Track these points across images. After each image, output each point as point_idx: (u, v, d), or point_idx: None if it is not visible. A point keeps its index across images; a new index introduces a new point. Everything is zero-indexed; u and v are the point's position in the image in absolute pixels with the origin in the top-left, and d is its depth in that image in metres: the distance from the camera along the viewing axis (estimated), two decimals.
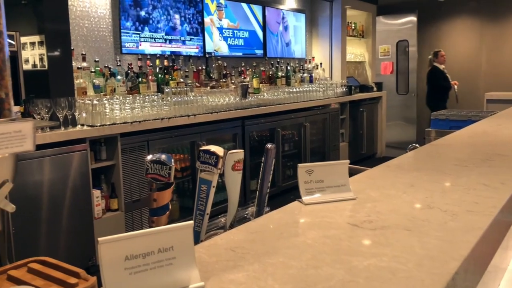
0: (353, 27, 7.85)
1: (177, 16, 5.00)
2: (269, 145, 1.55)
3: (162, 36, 4.87)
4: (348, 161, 1.44)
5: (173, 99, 4.23)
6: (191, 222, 0.88)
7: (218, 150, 1.33)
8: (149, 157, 1.23)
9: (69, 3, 3.84)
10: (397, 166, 1.90)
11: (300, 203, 1.36)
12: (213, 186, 1.35)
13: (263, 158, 1.57)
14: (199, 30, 5.28)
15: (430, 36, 8.94)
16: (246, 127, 5.12)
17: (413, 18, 8.40)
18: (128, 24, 4.50)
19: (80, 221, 3.48)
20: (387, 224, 1.16)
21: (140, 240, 0.82)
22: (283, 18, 6.65)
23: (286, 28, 6.73)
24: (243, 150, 1.49)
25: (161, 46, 4.85)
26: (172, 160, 1.23)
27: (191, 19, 5.19)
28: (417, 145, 3.15)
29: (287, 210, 1.31)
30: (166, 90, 4.36)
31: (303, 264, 0.94)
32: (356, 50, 8.11)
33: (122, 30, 4.45)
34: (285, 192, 5.45)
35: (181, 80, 4.76)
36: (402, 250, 0.99)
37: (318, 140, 6.42)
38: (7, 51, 0.73)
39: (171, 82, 4.62)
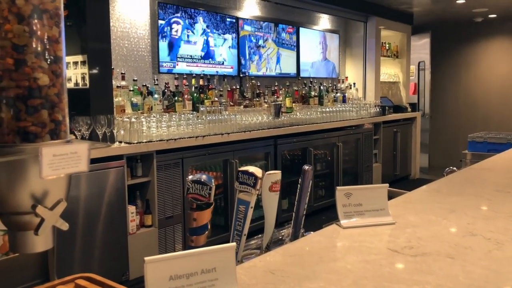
0: (387, 47, 7.80)
1: (213, 37, 5.11)
2: (306, 167, 1.55)
3: (199, 56, 4.97)
4: (387, 185, 1.43)
5: (208, 118, 4.29)
6: (234, 244, 0.89)
7: (256, 171, 1.35)
8: (190, 177, 1.25)
9: (111, 24, 3.98)
10: (436, 190, 1.86)
11: (338, 226, 1.35)
12: (251, 207, 1.36)
13: (300, 180, 1.57)
14: (234, 52, 5.37)
15: (455, 57, 8.78)
16: (279, 146, 5.13)
17: (427, 39, 8.27)
18: (166, 44, 4.63)
19: (114, 236, 3.54)
20: (428, 250, 1.14)
21: (184, 260, 0.84)
22: (317, 38, 6.68)
23: (319, 49, 6.76)
24: (280, 171, 1.49)
25: (197, 66, 4.95)
26: (213, 180, 1.25)
27: (227, 41, 5.28)
28: (455, 168, 3.08)
29: (325, 234, 1.31)
30: (201, 108, 4.43)
31: None
32: (390, 70, 8.04)
33: (159, 50, 4.57)
34: (317, 213, 5.40)
35: (216, 99, 4.83)
36: (446, 279, 0.97)
37: (350, 161, 6.36)
38: (65, 76, 0.77)
39: (206, 101, 4.69)
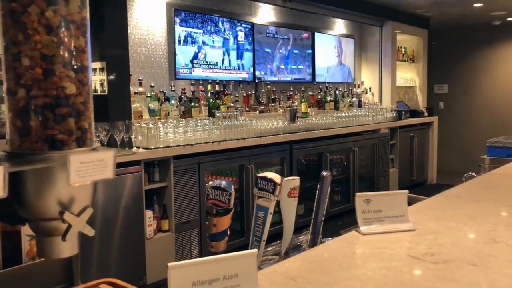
0: (403, 52, 7.75)
1: (228, 43, 5.13)
2: (324, 173, 1.55)
3: (214, 62, 5.00)
4: (407, 191, 1.42)
5: (224, 123, 4.31)
6: (255, 250, 0.89)
7: (275, 177, 1.35)
8: (210, 183, 1.26)
9: (129, 31, 4.04)
10: (455, 196, 1.84)
11: (357, 233, 1.35)
12: (270, 213, 1.36)
13: (318, 186, 1.57)
14: (249, 57, 5.39)
15: (472, 61, 8.67)
16: (294, 151, 5.12)
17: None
18: (182, 50, 4.67)
19: (132, 241, 3.57)
20: (450, 257, 1.13)
21: (207, 266, 0.84)
22: (332, 43, 6.67)
23: (335, 53, 6.75)
24: (298, 178, 1.49)
25: (212, 72, 4.98)
26: (232, 186, 1.25)
27: (242, 47, 5.31)
28: (474, 173, 3.05)
29: (345, 240, 1.30)
30: (217, 114, 4.45)
31: None
32: (406, 75, 7.98)
33: (176, 57, 4.61)
34: (333, 218, 5.37)
35: (231, 104, 4.85)
36: (470, 286, 0.96)
37: (367, 166, 6.32)
38: (91, 84, 0.79)
39: (221, 106, 4.71)
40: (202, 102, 4.64)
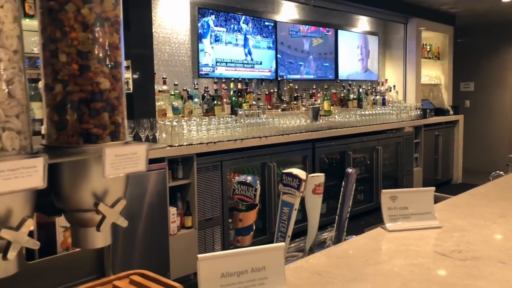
0: (428, 49, 7.64)
1: (251, 41, 5.15)
2: (350, 170, 1.55)
3: (237, 60, 5.02)
4: (433, 188, 1.41)
5: (246, 121, 4.33)
6: (283, 244, 0.90)
7: (300, 173, 1.35)
8: (236, 178, 1.28)
9: (153, 30, 4.09)
10: (483, 194, 1.82)
11: (383, 230, 1.34)
12: (295, 209, 1.36)
13: (343, 183, 1.56)
14: (272, 55, 5.39)
15: (499, 58, 8.48)
16: (317, 149, 5.10)
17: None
18: (205, 49, 4.70)
19: (156, 237, 3.62)
20: (478, 255, 1.12)
21: (235, 258, 0.86)
22: (355, 40, 6.62)
23: (358, 51, 6.69)
24: (323, 174, 1.50)
25: (235, 70, 5.00)
26: (258, 182, 1.26)
27: (265, 45, 5.31)
28: (502, 172, 2.99)
29: (370, 236, 1.30)
30: (240, 112, 4.47)
31: None
32: (431, 72, 7.86)
33: (199, 55, 4.65)
34: (356, 217, 5.33)
35: (254, 102, 4.87)
36: (498, 284, 0.95)
37: (390, 164, 6.25)
38: (124, 80, 0.81)
39: (244, 104, 4.73)
40: (224, 100, 4.67)
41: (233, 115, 4.54)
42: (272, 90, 5.26)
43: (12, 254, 0.64)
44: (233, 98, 4.77)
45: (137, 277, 0.94)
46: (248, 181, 1.26)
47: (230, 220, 1.34)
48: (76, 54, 0.74)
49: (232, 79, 4.89)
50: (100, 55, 0.76)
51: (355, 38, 6.65)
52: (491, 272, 1.02)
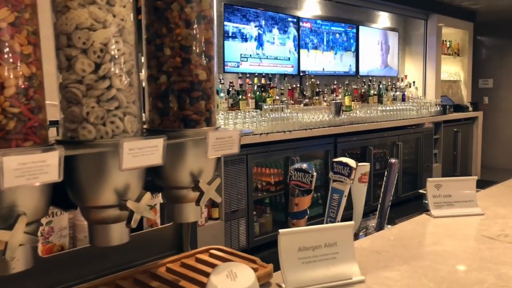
0: (448, 45, 7.64)
1: (274, 37, 5.23)
2: (392, 160, 1.63)
3: (261, 56, 5.10)
4: (476, 177, 1.48)
5: (271, 116, 4.41)
6: (352, 222, 0.99)
7: (350, 162, 1.44)
8: (295, 165, 1.36)
9: None
10: None
11: (428, 216, 1.42)
12: (345, 196, 1.45)
13: (385, 172, 1.64)
14: (294, 51, 5.47)
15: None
16: (338, 144, 5.16)
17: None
18: (230, 44, 4.79)
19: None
20: None
21: (311, 234, 0.94)
22: (376, 37, 6.66)
23: (378, 47, 6.73)
24: (369, 164, 1.58)
25: (259, 66, 5.08)
26: (313, 168, 1.35)
27: (287, 41, 5.39)
28: None
29: (417, 222, 1.38)
30: (265, 107, 4.55)
31: (451, 269, 1.01)
32: (451, 69, 7.86)
33: (225, 51, 4.74)
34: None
35: (277, 97, 4.95)
36: None
37: (410, 160, 6.29)
38: (215, 72, 0.90)
39: (268, 99, 4.81)
40: (249, 95, 4.76)
41: (258, 110, 4.62)
42: (294, 85, 5.33)
43: (134, 223, 0.74)
44: (257, 93, 4.85)
45: (216, 252, 1.04)
46: (304, 168, 1.34)
47: (290, 203, 1.41)
48: (179, 48, 0.83)
49: (256, 74, 4.98)
50: (199, 49, 0.84)
51: (376, 34, 6.69)
52: None
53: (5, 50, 0.62)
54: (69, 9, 0.70)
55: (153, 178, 0.87)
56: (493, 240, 1.19)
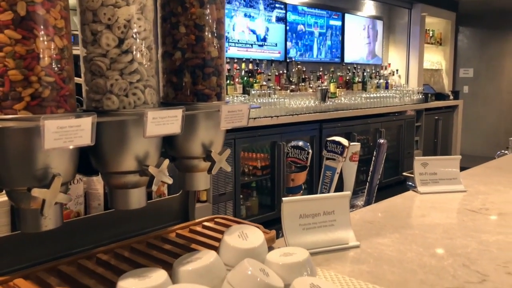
0: (431, 35, 7.77)
1: (261, 23, 5.26)
2: (381, 140, 1.72)
3: (248, 42, 5.14)
4: (460, 156, 1.58)
5: (258, 101, 4.47)
6: (349, 192, 1.07)
7: (343, 140, 1.52)
8: (290, 143, 1.43)
9: None
10: (496, 167, 1.99)
11: (415, 192, 1.51)
12: (337, 173, 1.53)
13: (374, 152, 1.73)
14: (282, 37, 5.51)
15: (500, 45, 8.63)
16: (324, 130, 5.26)
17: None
18: None
19: None
20: (504, 211, 1.29)
21: (311, 203, 1.02)
22: (361, 25, 6.74)
23: (364, 34, 6.82)
24: (359, 144, 1.66)
25: (246, 51, 5.12)
26: (309, 146, 1.42)
27: (275, 27, 5.43)
28: (507, 152, 3.17)
29: (405, 197, 1.47)
30: (252, 92, 4.61)
31: (438, 236, 1.10)
32: (433, 58, 8.01)
33: None
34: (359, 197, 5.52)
35: (264, 83, 5.01)
36: None
37: (392, 147, 6.43)
38: (225, 50, 0.95)
39: (255, 85, 4.87)
40: (236, 80, 4.80)
41: (245, 95, 4.68)
42: (281, 72, 5.39)
43: (155, 187, 0.80)
44: (245, 78, 4.90)
45: (221, 220, 1.11)
46: (300, 145, 1.42)
47: (286, 179, 1.49)
48: (193, 27, 0.88)
49: (244, 59, 5.02)
50: (211, 28, 0.90)
51: (361, 22, 6.77)
52: None
53: (41, 24, 0.67)
54: None
55: (167, 149, 0.93)
56: (475, 213, 1.28)
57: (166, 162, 0.81)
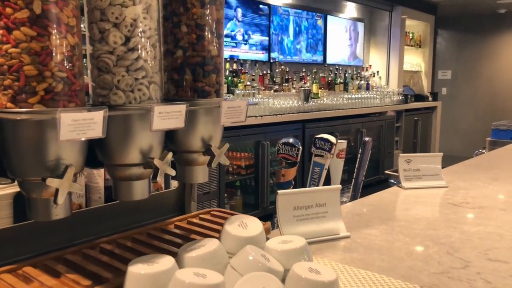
0: (410, 37, 7.94)
1: (246, 23, 5.31)
2: (366, 138, 1.78)
3: (232, 42, 5.18)
4: (441, 154, 1.65)
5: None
6: (339, 185, 1.12)
7: (331, 138, 1.57)
8: (281, 140, 1.48)
9: None
10: (475, 165, 2.08)
11: (399, 188, 1.58)
12: (325, 169, 1.58)
13: (360, 149, 1.79)
14: (265, 38, 5.57)
15: (477, 48, 8.86)
16: (306, 130, 5.33)
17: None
18: None
19: None
20: (483, 205, 1.36)
21: (304, 195, 1.07)
22: (343, 26, 6.85)
23: (347, 35, 6.92)
24: (346, 141, 1.72)
25: (231, 51, 5.16)
26: (299, 143, 1.47)
27: (259, 27, 5.48)
28: (484, 151, 3.29)
29: (390, 192, 1.53)
30: (237, 92, 4.65)
31: (423, 227, 1.16)
32: (413, 60, 8.18)
33: None
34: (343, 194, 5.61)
35: (248, 83, 5.05)
36: (503, 222, 1.19)
37: (373, 146, 6.50)
38: (223, 49, 1.00)
39: (239, 84, 4.91)
40: None
41: (230, 94, 4.71)
42: (265, 72, 5.44)
43: (159, 178, 0.84)
44: (229, 78, 4.94)
45: (217, 212, 1.15)
46: (291, 142, 1.47)
47: (276, 174, 1.54)
48: (195, 26, 0.92)
49: (228, 59, 5.05)
50: (211, 27, 0.94)
51: (343, 23, 6.87)
52: (495, 216, 1.26)
53: (55, 22, 0.71)
54: None
55: (167, 143, 0.97)
56: (457, 206, 1.35)
57: (170, 155, 0.85)
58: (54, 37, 0.70)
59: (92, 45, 0.82)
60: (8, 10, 0.68)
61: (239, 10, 5.23)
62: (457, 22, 8.92)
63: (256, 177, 4.86)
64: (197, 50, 0.93)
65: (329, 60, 6.63)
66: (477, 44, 8.90)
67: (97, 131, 0.71)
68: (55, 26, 0.71)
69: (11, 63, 0.69)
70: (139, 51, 0.82)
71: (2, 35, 0.68)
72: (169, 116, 0.81)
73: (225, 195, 4.53)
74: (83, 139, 0.71)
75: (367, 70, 7.29)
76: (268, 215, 4.59)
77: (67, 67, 0.73)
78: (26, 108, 0.70)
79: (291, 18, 5.98)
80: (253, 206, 4.82)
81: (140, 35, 0.82)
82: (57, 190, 0.71)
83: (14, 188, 0.99)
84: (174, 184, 2.29)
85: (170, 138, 0.96)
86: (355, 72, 6.96)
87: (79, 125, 0.69)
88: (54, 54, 0.71)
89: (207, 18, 0.93)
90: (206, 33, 0.94)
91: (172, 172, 0.86)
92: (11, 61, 0.69)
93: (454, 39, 9.09)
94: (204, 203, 4.26)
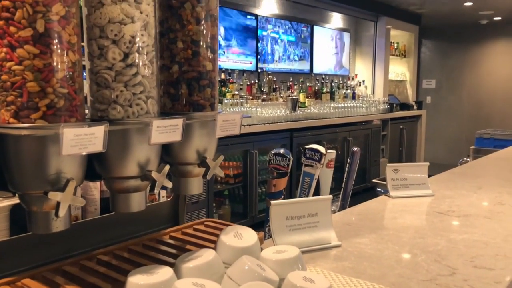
0: (395, 47, 8.07)
1: (233, 33, 5.35)
2: (355, 148, 1.82)
3: (220, 51, 5.22)
4: (428, 163, 1.69)
5: (231, 110, 4.55)
6: (330, 196, 1.15)
7: (321, 148, 1.61)
8: (272, 151, 1.51)
9: None
10: (460, 173, 2.13)
11: (387, 197, 1.61)
12: (315, 179, 1.62)
13: (348, 159, 1.83)
14: (253, 48, 5.62)
15: (460, 58, 9.04)
16: (294, 138, 5.38)
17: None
18: None
19: None
20: (468, 213, 1.41)
21: (296, 206, 1.10)
22: (329, 36, 6.94)
23: (332, 44, 7.01)
24: (334, 151, 1.76)
25: (219, 61, 5.19)
26: (290, 153, 1.50)
27: (246, 37, 5.53)
28: (468, 159, 3.36)
29: (378, 201, 1.57)
30: (225, 101, 4.68)
31: (410, 236, 1.19)
32: (398, 69, 8.31)
33: None
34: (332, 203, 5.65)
35: (236, 92, 5.09)
36: (488, 230, 1.24)
37: (359, 155, 6.61)
38: (218, 64, 1.03)
39: (227, 94, 4.94)
40: None
41: (219, 104, 4.73)
42: (252, 81, 5.49)
43: (156, 190, 0.86)
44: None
45: (210, 223, 1.17)
46: (282, 152, 1.50)
47: (267, 184, 1.57)
48: (190, 42, 0.95)
49: None
50: (206, 43, 0.97)
51: (329, 34, 6.97)
52: (480, 224, 1.30)
53: (57, 40, 0.73)
54: (103, 5, 0.81)
55: (163, 156, 0.99)
56: (443, 214, 1.39)
57: (167, 167, 0.87)
58: (56, 54, 0.73)
59: (91, 61, 0.84)
60: (12, 28, 0.70)
61: (226, 21, 5.27)
62: (441, 33, 9.10)
63: (245, 186, 4.88)
64: (192, 65, 0.96)
65: (316, 70, 6.71)
66: (460, 54, 9.09)
67: (98, 146, 0.73)
68: (57, 43, 0.73)
69: (14, 80, 0.71)
70: (137, 67, 0.84)
71: (6, 53, 0.70)
72: (166, 130, 0.83)
73: (214, 204, 4.54)
74: (84, 153, 0.73)
75: (353, 79, 7.39)
76: (256, 224, 4.61)
77: (69, 83, 0.75)
78: (28, 124, 0.71)
79: (278, 28, 6.05)
80: (241, 215, 4.83)
81: (138, 52, 0.84)
82: (58, 203, 0.72)
83: (11, 201, 1.01)
84: (163, 194, 2.30)
85: (166, 151, 0.98)
86: (341, 82, 7.05)
87: (80, 140, 0.71)
88: (56, 71, 0.73)
89: (203, 34, 0.96)
90: (201, 49, 0.96)
91: (169, 184, 0.89)
92: (15, 78, 0.71)
93: (438, 49, 9.27)
94: (192, 212, 4.26)
